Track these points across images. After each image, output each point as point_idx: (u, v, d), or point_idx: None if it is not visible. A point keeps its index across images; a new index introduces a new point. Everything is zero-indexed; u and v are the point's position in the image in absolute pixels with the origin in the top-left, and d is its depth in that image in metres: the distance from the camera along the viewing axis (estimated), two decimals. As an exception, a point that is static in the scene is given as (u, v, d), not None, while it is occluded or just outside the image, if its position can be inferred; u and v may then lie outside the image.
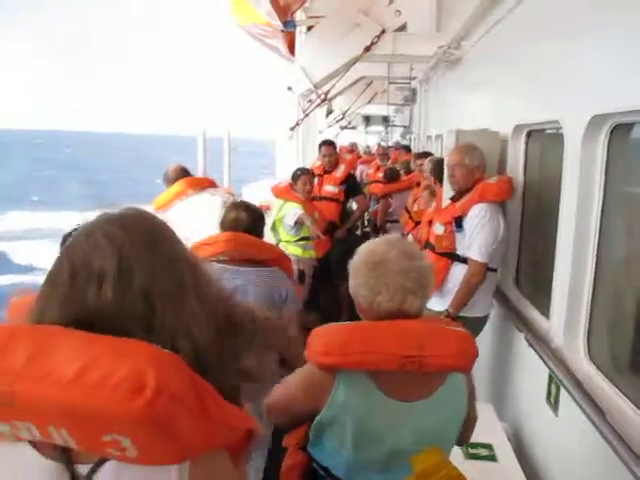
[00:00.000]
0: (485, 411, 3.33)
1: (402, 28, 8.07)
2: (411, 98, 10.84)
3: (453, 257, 3.72)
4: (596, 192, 2.69)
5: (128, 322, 1.00)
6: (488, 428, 3.20)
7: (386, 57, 8.23)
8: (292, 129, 8.46)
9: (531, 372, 3.36)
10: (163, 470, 0.98)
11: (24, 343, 0.92)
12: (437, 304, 3.80)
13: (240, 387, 1.15)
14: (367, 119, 22.66)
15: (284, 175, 7.93)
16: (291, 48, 12.02)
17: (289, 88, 8.49)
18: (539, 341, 3.13)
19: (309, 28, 9.72)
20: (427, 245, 3.99)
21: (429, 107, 9.74)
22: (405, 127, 12.57)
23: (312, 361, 1.76)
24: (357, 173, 10.10)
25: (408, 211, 6.65)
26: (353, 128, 22.67)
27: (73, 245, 1.05)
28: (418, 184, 6.89)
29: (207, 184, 4.43)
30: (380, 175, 10.01)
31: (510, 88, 4.11)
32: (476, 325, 3.80)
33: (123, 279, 1.01)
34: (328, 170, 6.51)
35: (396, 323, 1.71)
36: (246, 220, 3.00)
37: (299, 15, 9.44)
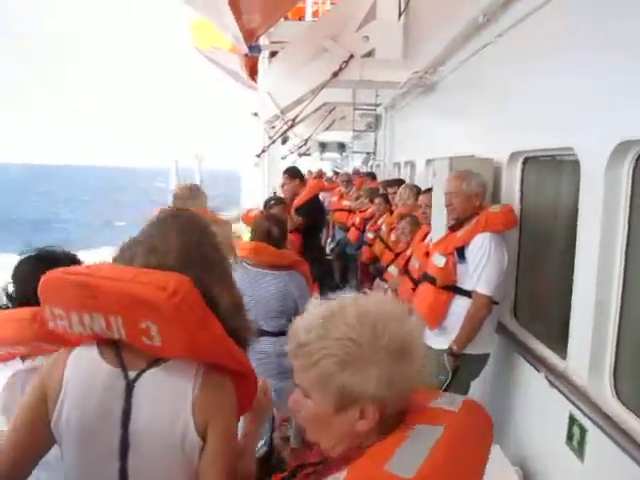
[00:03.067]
0: (493, 452, 3.12)
1: (369, 54, 7.99)
2: (375, 125, 10.76)
3: (455, 290, 3.52)
4: (620, 222, 2.54)
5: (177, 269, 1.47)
6: (499, 472, 3.00)
7: (354, 83, 8.12)
8: (258, 156, 8.22)
9: (545, 412, 3.18)
10: (183, 375, 1.44)
11: (108, 265, 1.51)
12: (438, 342, 3.58)
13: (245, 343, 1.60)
14: (323, 146, 22.63)
15: (250, 202, 7.70)
16: (252, 74, 11.89)
17: (254, 114, 8.27)
18: (555, 378, 2.94)
19: (273, 54, 9.57)
20: (425, 277, 3.78)
21: (396, 134, 9.66)
22: (368, 154, 12.50)
23: None
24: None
25: (383, 241, 6.44)
26: (308, 155, 22.58)
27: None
28: (391, 212, 6.74)
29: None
30: (345, 203, 9.86)
31: (502, 114, 3.98)
32: (480, 363, 3.60)
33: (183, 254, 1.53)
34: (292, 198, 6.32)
35: None
36: (275, 233, 3.71)
37: (263, 40, 9.29)
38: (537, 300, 3.74)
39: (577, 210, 2.82)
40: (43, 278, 1.47)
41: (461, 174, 3.64)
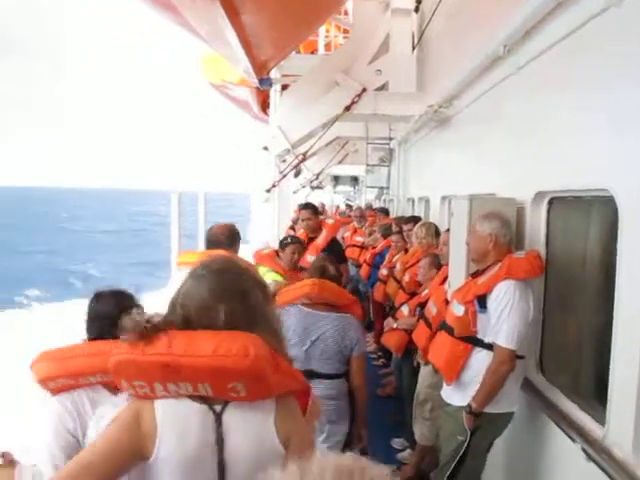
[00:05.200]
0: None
1: (383, 88, 7.83)
2: (388, 158, 10.55)
3: (475, 342, 3.21)
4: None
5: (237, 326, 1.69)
6: None
7: (367, 117, 7.96)
8: (268, 191, 8.00)
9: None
10: (263, 403, 1.68)
11: (181, 337, 1.63)
12: (457, 398, 3.28)
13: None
14: (336, 179, 22.55)
15: (259, 238, 7.46)
16: (263, 107, 11.80)
17: (265, 148, 8.07)
18: (591, 448, 2.59)
19: (284, 87, 9.44)
20: (443, 326, 3.48)
21: (409, 168, 9.43)
22: (381, 188, 12.26)
23: None
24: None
25: (396, 280, 6.16)
26: (321, 188, 22.50)
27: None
28: (406, 250, 6.47)
29: None
30: (358, 239, 9.59)
31: (525, 150, 3.70)
32: (503, 423, 3.27)
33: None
34: (311, 237, 6.04)
35: None
36: (332, 271, 3.72)
37: (274, 73, 9.18)
38: (567, 353, 3.42)
39: (612, 253, 2.54)
40: (116, 359, 1.63)
41: (481, 215, 3.37)
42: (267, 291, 1.83)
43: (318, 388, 3.29)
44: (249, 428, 1.67)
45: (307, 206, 6.45)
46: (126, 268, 33.45)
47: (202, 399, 1.65)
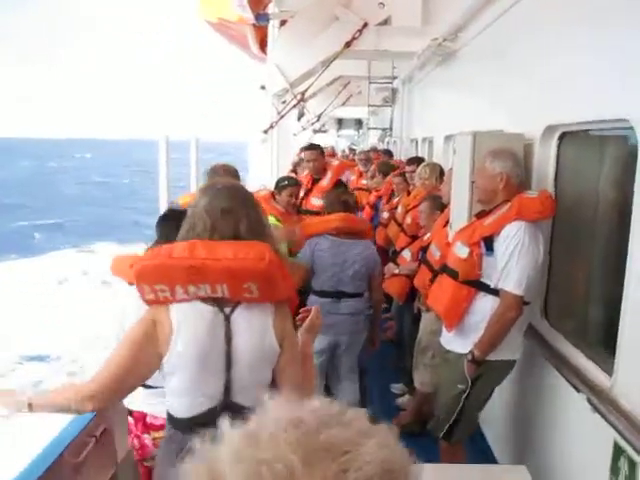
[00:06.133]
0: (518, 473, 2.67)
1: (385, 22, 7.42)
2: (391, 99, 10.19)
3: (479, 286, 3.04)
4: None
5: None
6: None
7: (368, 53, 7.58)
8: (266, 132, 7.73)
9: (583, 436, 2.70)
10: (264, 308, 1.95)
11: (202, 245, 1.88)
12: (458, 344, 3.13)
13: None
14: (339, 122, 22.08)
15: (256, 182, 7.22)
16: (262, 45, 11.33)
17: (262, 87, 7.76)
18: (598, 399, 2.45)
19: (282, 23, 9.03)
20: (444, 269, 3.30)
21: (413, 108, 9.09)
22: (384, 130, 11.92)
23: None
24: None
25: (397, 222, 5.96)
26: (325, 132, 22.06)
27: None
28: (408, 192, 6.25)
29: None
30: (363, 182, 9.32)
31: (534, 82, 3.44)
32: (505, 370, 3.13)
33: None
34: (316, 179, 5.83)
35: None
36: (352, 203, 4.33)
37: (272, 8, 8.75)
38: (573, 299, 3.25)
39: (627, 194, 2.33)
40: (141, 264, 1.91)
41: (491, 151, 3.13)
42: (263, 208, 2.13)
43: (346, 306, 4.01)
44: (253, 327, 1.94)
45: (312, 147, 6.18)
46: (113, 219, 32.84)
47: (213, 302, 1.91)
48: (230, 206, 1.94)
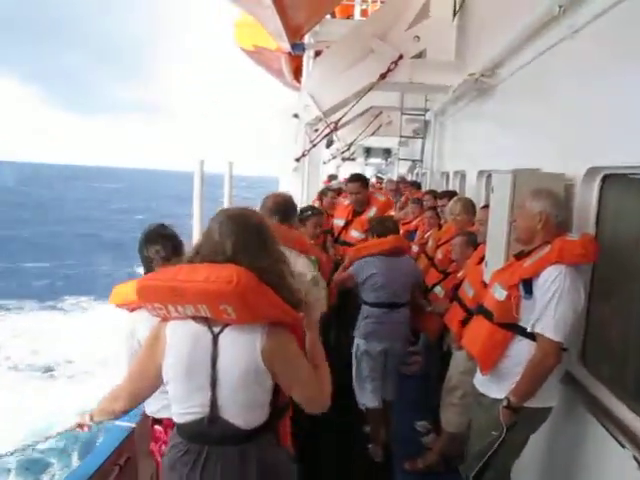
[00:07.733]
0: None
1: (420, 55, 7.44)
2: (423, 131, 10.17)
3: (516, 329, 2.95)
4: None
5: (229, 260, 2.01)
6: None
7: (403, 86, 7.59)
8: (298, 160, 7.74)
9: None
10: (253, 331, 2.00)
11: (187, 268, 2.01)
12: (493, 389, 3.03)
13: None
14: (367, 151, 22.10)
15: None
16: (296, 75, 11.48)
17: (295, 115, 7.79)
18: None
19: (317, 53, 9.12)
20: (480, 310, 3.22)
21: (445, 141, 9.05)
22: (414, 161, 11.89)
23: None
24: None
25: (428, 257, 5.87)
26: (353, 159, 22.11)
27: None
28: (440, 226, 6.19)
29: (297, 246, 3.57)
30: (391, 214, 9.26)
31: (577, 122, 3.37)
32: (539, 418, 3.02)
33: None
34: (358, 211, 5.79)
35: None
36: (396, 226, 4.88)
37: (307, 39, 8.85)
38: (614, 345, 3.14)
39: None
40: (141, 284, 2.08)
41: (532, 191, 3.07)
42: (272, 233, 2.15)
43: (399, 315, 4.57)
44: (238, 348, 2.00)
45: (356, 179, 6.06)
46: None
47: (205, 322, 2.02)
48: (212, 228, 2.07)
